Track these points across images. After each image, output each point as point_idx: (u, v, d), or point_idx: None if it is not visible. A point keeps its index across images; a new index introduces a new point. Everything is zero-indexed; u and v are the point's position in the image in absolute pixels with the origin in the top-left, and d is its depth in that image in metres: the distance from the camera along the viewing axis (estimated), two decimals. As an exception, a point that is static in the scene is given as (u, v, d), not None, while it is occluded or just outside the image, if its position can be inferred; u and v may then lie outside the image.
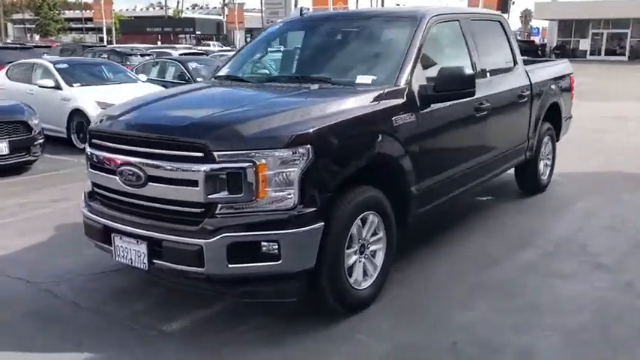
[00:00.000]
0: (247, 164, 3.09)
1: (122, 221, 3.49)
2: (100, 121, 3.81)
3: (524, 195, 6.34)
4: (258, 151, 3.12)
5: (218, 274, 3.21)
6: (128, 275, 4.23)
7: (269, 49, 4.93)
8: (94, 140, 3.68)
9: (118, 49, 21.72)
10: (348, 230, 3.45)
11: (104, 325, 3.60)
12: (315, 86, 3.97)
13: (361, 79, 4.03)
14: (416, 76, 4.03)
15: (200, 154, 3.14)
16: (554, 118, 6.47)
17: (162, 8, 79.87)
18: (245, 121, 3.26)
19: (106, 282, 4.20)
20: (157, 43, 40.87)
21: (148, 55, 20.37)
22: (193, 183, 3.16)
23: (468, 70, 4.04)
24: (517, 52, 5.74)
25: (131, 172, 3.34)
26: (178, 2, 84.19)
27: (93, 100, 9.51)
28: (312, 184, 3.21)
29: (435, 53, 4.39)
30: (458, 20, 4.81)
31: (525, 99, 5.59)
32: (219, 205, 3.17)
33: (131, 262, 3.45)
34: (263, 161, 3.11)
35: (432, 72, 4.13)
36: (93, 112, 9.36)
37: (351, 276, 3.55)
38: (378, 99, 3.75)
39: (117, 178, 3.44)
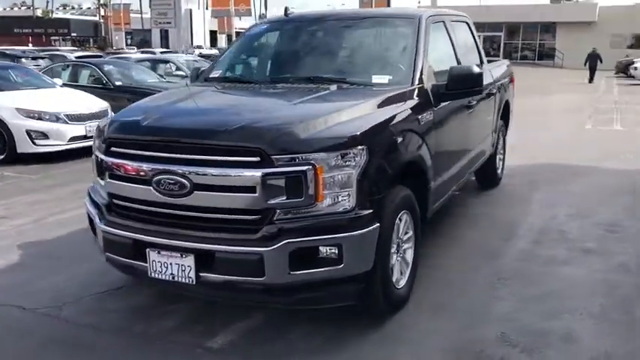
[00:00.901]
0: (307, 167, 3.00)
1: (160, 234, 3.24)
2: (109, 128, 3.51)
3: (482, 189, 6.67)
4: (317, 153, 3.03)
5: (278, 282, 3.08)
6: (139, 292, 3.96)
7: (259, 49, 4.80)
8: (113, 148, 3.39)
9: (7, 52, 19.92)
10: (393, 230, 3.46)
11: (141, 345, 3.34)
12: (334, 87, 3.93)
13: (377, 79, 4.06)
14: (427, 74, 4.13)
15: (256, 159, 3.01)
16: (505, 114, 6.88)
17: (28, 8, 74.10)
18: (299, 123, 3.15)
19: (117, 300, 3.89)
20: (28, 45, 37.93)
21: (42, 58, 18.95)
22: (250, 189, 3.01)
23: (477, 69, 4.19)
24: (482, 51, 6.05)
25: (173, 182, 3.12)
26: (48, 2, 78.57)
27: (12, 107, 8.71)
28: (368, 186, 3.18)
29: (433, 52, 4.50)
30: (443, 21, 4.98)
31: (492, 96, 5.91)
32: (278, 211, 3.05)
33: (172, 278, 3.22)
34: (322, 163, 3.03)
35: (436, 70, 4.26)
36: (13, 120, 8.63)
37: (392, 276, 3.56)
38: (404, 98, 3.79)
39: (151, 188, 3.19)
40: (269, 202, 3.01)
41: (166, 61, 17.50)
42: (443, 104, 4.22)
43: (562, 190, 6.75)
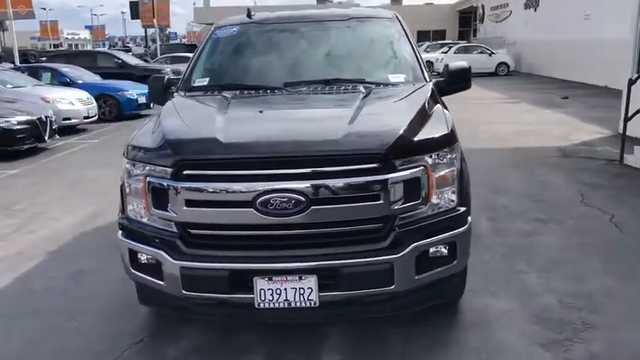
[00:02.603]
0: (421, 168, 2.99)
1: (269, 259, 2.93)
2: (171, 149, 3.02)
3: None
4: (426, 154, 3.04)
5: (405, 289, 3.02)
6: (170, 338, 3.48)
7: (244, 52, 4.45)
8: (190, 172, 2.93)
9: None
10: None
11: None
12: (361, 88, 3.89)
13: (394, 77, 4.14)
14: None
15: (377, 165, 2.90)
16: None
17: None
18: (405, 127, 3.08)
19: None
20: None
21: None
22: (374, 197, 2.89)
23: (467, 64, 4.49)
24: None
25: (285, 200, 2.84)
26: None
27: None
28: (463, 182, 3.27)
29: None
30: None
31: None
32: (399, 216, 2.99)
33: (288, 305, 2.94)
34: (431, 163, 3.05)
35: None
36: None
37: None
38: (432, 95, 3.91)
39: (252, 210, 2.85)
40: (392, 207, 2.93)
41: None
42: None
43: (503, 175, 7.47)
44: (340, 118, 3.23)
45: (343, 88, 3.92)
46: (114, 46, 72.67)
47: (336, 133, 2.98)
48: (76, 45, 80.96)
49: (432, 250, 3.09)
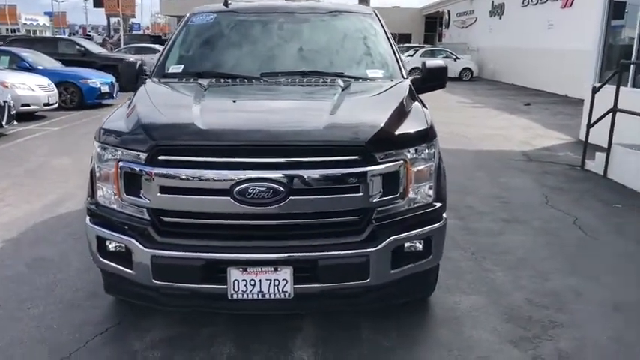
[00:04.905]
0: (400, 162, 2.98)
1: (244, 249, 2.87)
2: (148, 133, 2.92)
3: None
4: (406, 148, 3.03)
5: (380, 283, 3.00)
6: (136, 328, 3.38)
7: (219, 40, 4.35)
8: (167, 157, 2.84)
9: None
10: None
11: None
12: (339, 81, 3.86)
13: (372, 72, 4.13)
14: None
15: (357, 158, 2.87)
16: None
17: None
18: (385, 120, 3.06)
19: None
20: None
21: None
22: (354, 189, 2.87)
23: (444, 62, 4.51)
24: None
25: (263, 189, 2.78)
26: None
27: None
28: (440, 178, 3.28)
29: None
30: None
31: None
32: (377, 209, 2.97)
33: (262, 296, 2.89)
34: (410, 158, 3.04)
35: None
36: None
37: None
38: (410, 92, 3.91)
39: (229, 199, 2.79)
40: (371, 200, 2.91)
41: None
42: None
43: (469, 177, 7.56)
44: (321, 109, 3.19)
45: (321, 80, 3.88)
46: (74, 34, 70.80)
47: (317, 124, 2.94)
48: (35, 31, 78.53)
49: (407, 244, 3.09)
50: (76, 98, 14.27)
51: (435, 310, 3.69)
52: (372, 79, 4.03)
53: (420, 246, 3.14)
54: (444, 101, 17.62)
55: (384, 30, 4.52)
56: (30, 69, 13.90)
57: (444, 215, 3.27)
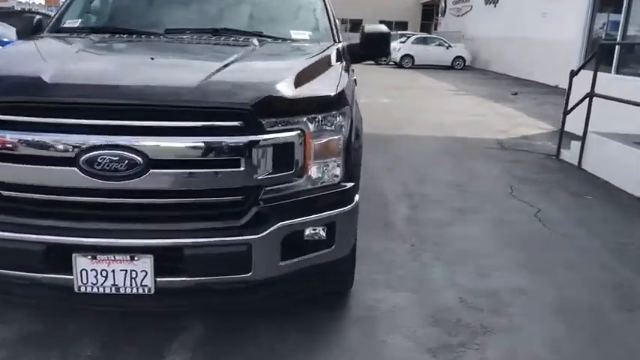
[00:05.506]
0: (297, 133, 2.46)
1: (94, 233, 2.34)
2: None
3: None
4: (305, 115, 2.50)
5: (266, 277, 2.49)
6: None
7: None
8: (2, 117, 2.30)
9: None
10: None
11: None
12: (254, 41, 3.34)
13: (296, 34, 3.60)
14: (340, 32, 3.83)
15: (238, 124, 2.34)
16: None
17: None
18: (282, 81, 2.52)
19: None
20: None
21: None
22: (233, 162, 2.34)
23: (386, 28, 3.97)
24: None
25: (116, 159, 2.25)
26: None
27: None
28: (351, 155, 2.75)
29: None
30: None
31: None
32: (264, 189, 2.45)
33: (116, 290, 2.37)
34: (310, 128, 2.51)
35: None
36: None
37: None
38: (339, 57, 3.39)
39: (76, 170, 2.26)
40: (256, 177, 2.39)
41: None
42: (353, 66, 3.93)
43: (391, 156, 7.07)
44: (207, 68, 2.64)
45: (233, 39, 3.36)
46: None
47: (191, 82, 2.40)
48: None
49: (306, 231, 2.56)
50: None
51: (351, 309, 3.18)
52: (295, 41, 3.51)
53: (322, 234, 2.61)
54: (431, 88, 17.13)
55: None
56: None
57: (356, 198, 2.75)
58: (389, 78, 20.53)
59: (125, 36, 3.36)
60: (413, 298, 3.31)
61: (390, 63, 27.79)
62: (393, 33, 35.09)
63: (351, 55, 3.79)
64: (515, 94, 16.11)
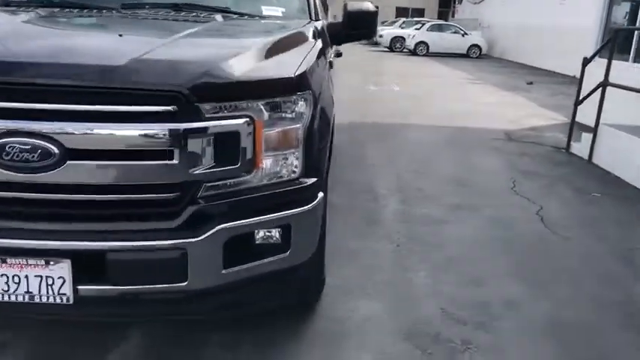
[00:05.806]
0: (244, 120, 2.10)
1: (3, 232, 2.02)
2: None
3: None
4: (257, 100, 2.15)
5: (206, 286, 2.16)
6: None
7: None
8: None
9: None
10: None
11: None
12: (218, 17, 3.00)
13: (268, 10, 3.25)
14: (320, 9, 3.47)
15: (171, 108, 1.99)
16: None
17: None
18: (228, 60, 2.17)
19: None
20: None
21: None
22: (164, 154, 2.00)
23: (373, 7, 3.59)
24: None
25: (28, 148, 1.93)
26: None
27: None
28: (314, 144, 2.40)
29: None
30: None
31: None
32: (204, 185, 2.11)
33: (30, 299, 2.06)
34: (262, 115, 2.16)
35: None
36: None
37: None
38: (316, 36, 3.03)
39: (-18, 159, 1.94)
40: (193, 171, 2.05)
41: None
42: (335, 47, 3.57)
43: (392, 146, 6.71)
44: (146, 44, 2.31)
45: (193, 14, 3.01)
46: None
47: (119, 60, 2.05)
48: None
49: (256, 234, 2.23)
50: None
51: (318, 320, 2.84)
52: (266, 18, 3.16)
53: (275, 237, 2.28)
54: (443, 76, 16.65)
55: None
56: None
57: (320, 195, 2.40)
58: (401, 65, 20.04)
59: (76, 10, 3.02)
60: (389, 308, 2.96)
61: (405, 50, 27.22)
62: (408, 20, 34.70)
63: (333, 36, 3.45)
64: (531, 83, 15.57)
